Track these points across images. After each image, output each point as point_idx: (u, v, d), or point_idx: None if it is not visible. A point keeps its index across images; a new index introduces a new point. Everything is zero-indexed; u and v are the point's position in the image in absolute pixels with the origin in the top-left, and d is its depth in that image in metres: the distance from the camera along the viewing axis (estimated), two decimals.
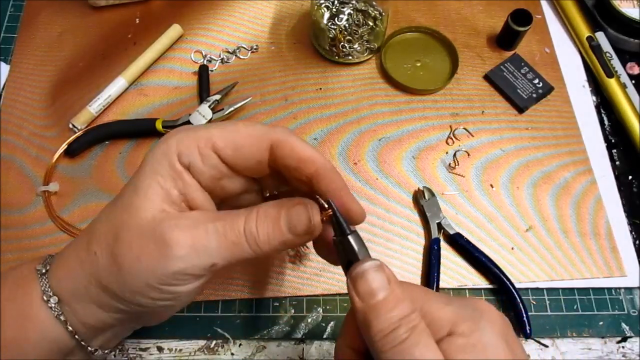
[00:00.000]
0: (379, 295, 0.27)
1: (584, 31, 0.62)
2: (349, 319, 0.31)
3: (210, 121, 0.54)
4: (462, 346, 0.26)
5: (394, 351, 0.25)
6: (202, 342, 0.47)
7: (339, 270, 0.49)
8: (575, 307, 0.49)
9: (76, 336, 0.32)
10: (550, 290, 0.50)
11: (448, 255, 0.50)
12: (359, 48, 0.58)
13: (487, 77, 0.60)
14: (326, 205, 0.30)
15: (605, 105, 0.60)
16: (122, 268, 0.29)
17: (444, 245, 0.51)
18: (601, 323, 0.49)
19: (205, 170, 0.31)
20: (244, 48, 0.61)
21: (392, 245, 0.51)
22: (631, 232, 0.53)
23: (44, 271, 0.31)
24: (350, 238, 0.29)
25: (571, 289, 0.50)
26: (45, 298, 0.31)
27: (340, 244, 0.30)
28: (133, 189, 0.30)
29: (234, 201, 0.35)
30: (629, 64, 0.62)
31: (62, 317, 0.31)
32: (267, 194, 0.37)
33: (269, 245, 0.30)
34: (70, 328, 0.31)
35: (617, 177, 0.56)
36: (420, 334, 0.25)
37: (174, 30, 0.60)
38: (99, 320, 0.32)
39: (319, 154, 0.31)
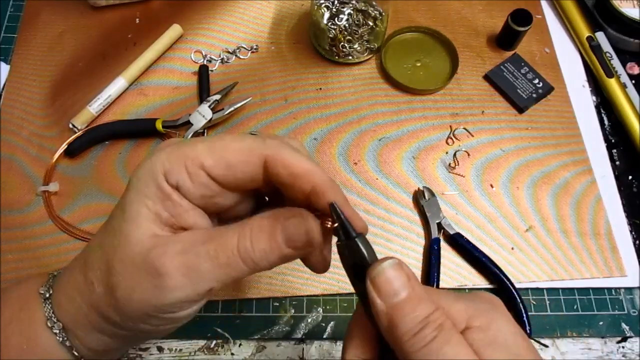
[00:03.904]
0: (401, 294, 0.25)
1: (584, 31, 0.62)
2: (356, 327, 0.29)
3: (210, 121, 0.54)
4: (482, 340, 0.25)
5: (423, 351, 0.24)
6: (202, 342, 0.47)
7: (338, 270, 0.49)
8: (575, 307, 0.49)
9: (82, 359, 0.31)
10: (550, 290, 0.50)
11: (448, 255, 0.50)
12: (359, 48, 0.58)
13: (487, 77, 0.60)
14: (331, 213, 0.28)
15: (605, 105, 0.60)
16: (119, 300, 0.28)
17: (444, 245, 0.51)
18: (601, 323, 0.49)
19: (194, 189, 0.28)
20: (244, 48, 0.61)
21: (392, 245, 0.51)
22: (631, 232, 0.53)
23: (47, 295, 0.31)
24: (358, 241, 0.28)
25: (571, 289, 0.50)
26: (49, 324, 0.30)
27: (346, 248, 0.28)
28: (121, 214, 0.29)
29: (231, 212, 0.33)
30: (629, 64, 0.62)
31: (67, 343, 0.30)
32: (268, 199, 0.35)
33: (267, 261, 0.29)
34: (76, 353, 0.31)
35: (617, 177, 0.56)
36: (449, 331, 0.24)
37: (174, 30, 0.60)
38: (103, 344, 0.31)
39: (315, 166, 0.28)
